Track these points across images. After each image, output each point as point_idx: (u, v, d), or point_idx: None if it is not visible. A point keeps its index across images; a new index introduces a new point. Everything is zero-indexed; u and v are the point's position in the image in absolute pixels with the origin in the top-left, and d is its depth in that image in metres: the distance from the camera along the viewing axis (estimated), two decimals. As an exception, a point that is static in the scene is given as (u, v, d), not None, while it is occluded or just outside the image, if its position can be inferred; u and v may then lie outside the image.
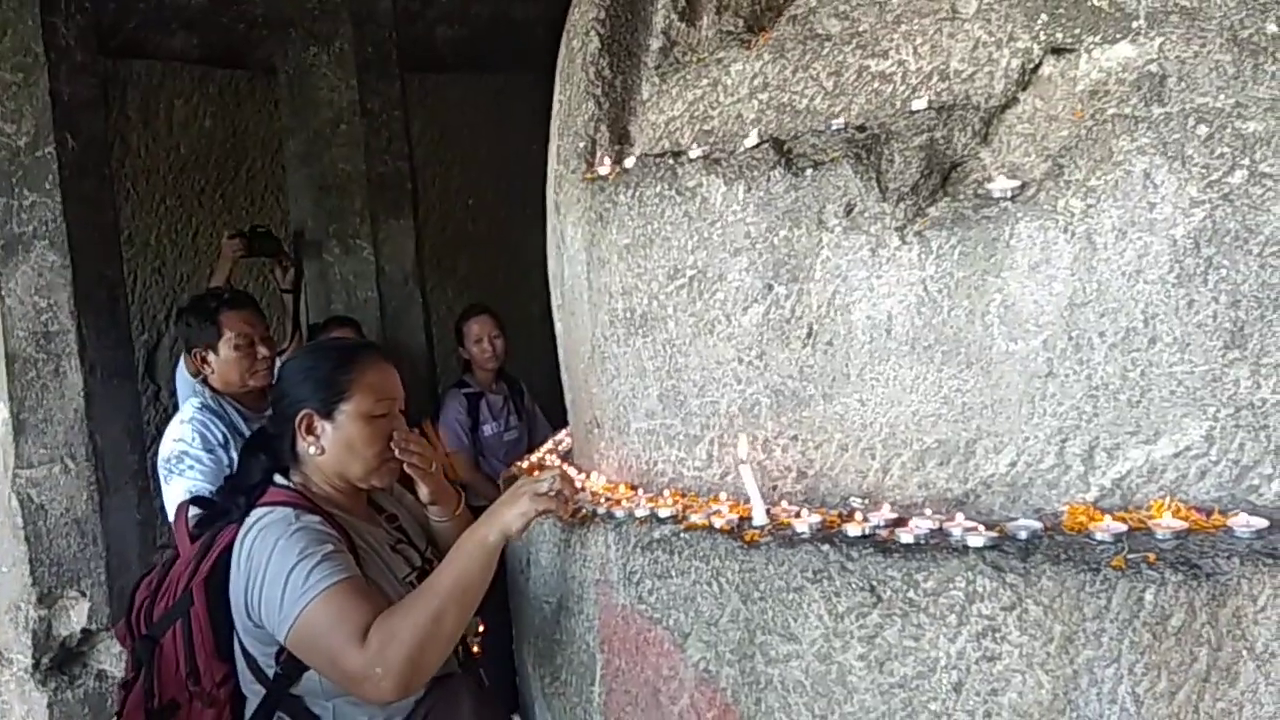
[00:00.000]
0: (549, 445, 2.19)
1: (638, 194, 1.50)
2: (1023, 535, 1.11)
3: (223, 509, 1.65)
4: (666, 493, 1.51)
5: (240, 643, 1.57)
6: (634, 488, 1.59)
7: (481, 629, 1.82)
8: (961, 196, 1.19)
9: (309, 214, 3.73)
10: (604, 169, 1.62)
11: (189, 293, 5.15)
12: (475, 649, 1.82)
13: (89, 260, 2.75)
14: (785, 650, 1.20)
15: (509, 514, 1.40)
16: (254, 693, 1.57)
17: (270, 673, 1.54)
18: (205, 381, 2.46)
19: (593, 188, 1.62)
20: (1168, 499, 1.09)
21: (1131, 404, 1.12)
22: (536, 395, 3.88)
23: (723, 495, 1.42)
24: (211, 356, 2.46)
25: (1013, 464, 1.19)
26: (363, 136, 3.68)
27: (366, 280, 3.71)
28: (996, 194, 1.15)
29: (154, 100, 4.86)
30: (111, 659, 2.63)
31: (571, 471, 1.82)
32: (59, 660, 2.64)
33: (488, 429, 3.81)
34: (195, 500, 1.76)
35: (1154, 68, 1.08)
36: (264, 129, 4.88)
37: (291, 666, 1.51)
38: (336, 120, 3.65)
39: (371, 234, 3.70)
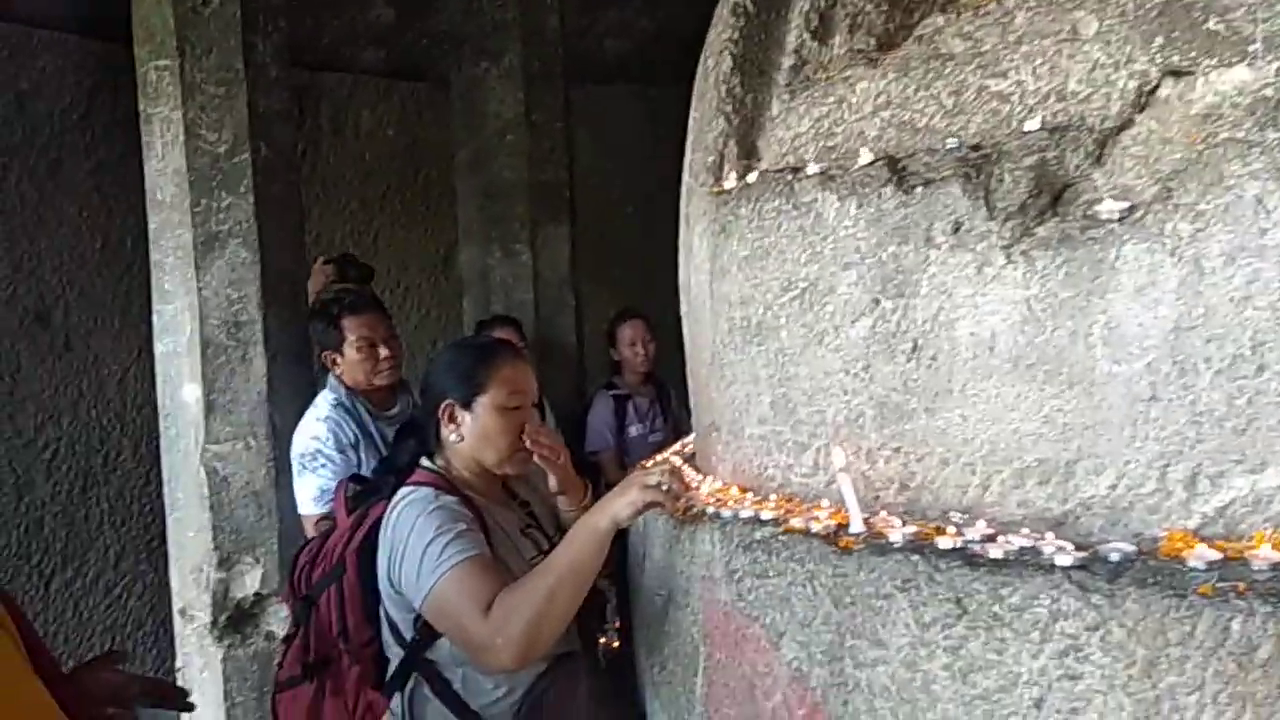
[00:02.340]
0: (676, 447, 2.27)
1: (758, 208, 1.56)
2: (1114, 557, 1.11)
3: (375, 486, 1.83)
4: (773, 496, 1.56)
5: (384, 608, 1.73)
6: (745, 490, 1.65)
7: (619, 625, 1.93)
8: (1070, 217, 1.20)
9: (474, 219, 3.96)
10: (729, 183, 1.69)
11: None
12: (615, 643, 1.92)
13: (276, 257, 3.03)
14: (873, 655, 1.23)
15: (618, 503, 1.49)
16: (395, 654, 1.73)
17: (409, 637, 1.69)
18: (339, 381, 2.62)
19: (718, 201, 1.69)
20: (1271, 530, 1.07)
21: (1237, 432, 1.09)
22: (683, 400, 3.97)
23: (826, 502, 1.47)
24: (338, 359, 2.62)
25: (1113, 487, 1.18)
26: (526, 146, 3.87)
27: (524, 283, 3.90)
28: (1105, 215, 1.15)
29: (344, 111, 5.26)
30: (279, 621, 2.89)
31: (690, 473, 1.89)
32: (234, 619, 2.92)
33: (633, 430, 3.93)
34: (353, 478, 1.95)
35: (1269, 92, 1.06)
36: (438, 139, 5.20)
37: (427, 632, 1.66)
38: (503, 131, 3.86)
39: (530, 239, 3.89)
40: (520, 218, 3.89)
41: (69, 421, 4.19)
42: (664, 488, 1.49)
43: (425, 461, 1.76)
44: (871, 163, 1.40)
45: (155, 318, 3.03)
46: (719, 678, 1.50)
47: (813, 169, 1.48)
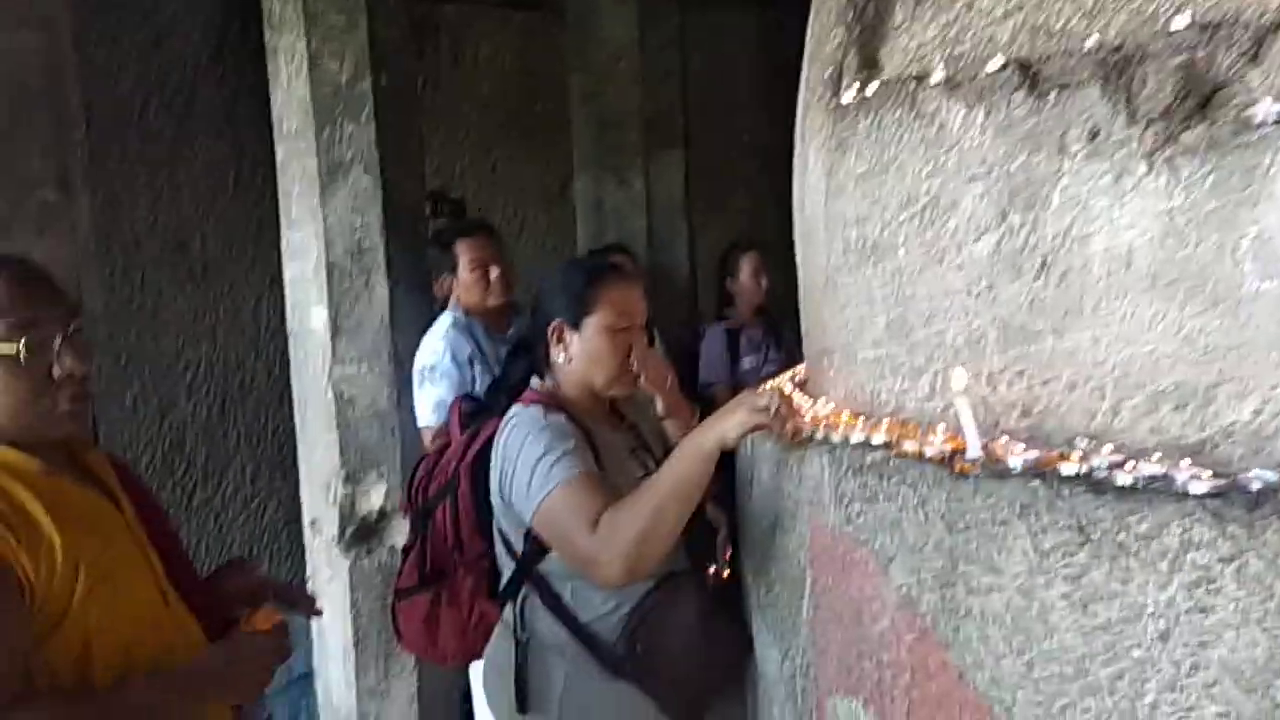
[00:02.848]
0: (787, 375, 2.24)
1: (877, 120, 1.50)
2: (1255, 486, 1.03)
3: (487, 405, 1.87)
4: (885, 421, 1.52)
5: (496, 521, 1.77)
6: (857, 415, 1.61)
7: (728, 556, 1.94)
8: (1220, 122, 1.10)
9: (588, 148, 3.95)
10: (848, 96, 1.62)
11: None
12: (725, 574, 1.93)
13: (396, 184, 3.09)
14: (987, 582, 1.19)
15: (726, 423, 1.47)
16: (507, 566, 1.77)
17: (519, 550, 1.73)
18: (457, 302, 2.78)
19: (835, 115, 1.63)
20: None
21: (1403, 354, 1.00)
22: (796, 332, 3.92)
23: (941, 427, 1.42)
24: (454, 282, 2.78)
25: (1257, 412, 1.10)
26: (640, 72, 3.82)
27: (637, 211, 3.89)
28: (1259, 119, 1.06)
29: (461, 42, 5.28)
30: (401, 535, 3.01)
31: (801, 398, 1.86)
32: (359, 533, 3.06)
33: (747, 362, 3.90)
34: (467, 397, 2.00)
35: None
36: (555, 69, 5.18)
37: (537, 546, 1.69)
38: (616, 57, 3.81)
39: (644, 167, 3.86)
40: (634, 146, 3.86)
41: (207, 345, 4.42)
42: (772, 410, 1.47)
43: (535, 381, 1.78)
44: (1001, 67, 1.32)
45: (284, 244, 3.14)
46: (825, 602, 1.49)
47: (937, 77, 1.40)
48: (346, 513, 3.06)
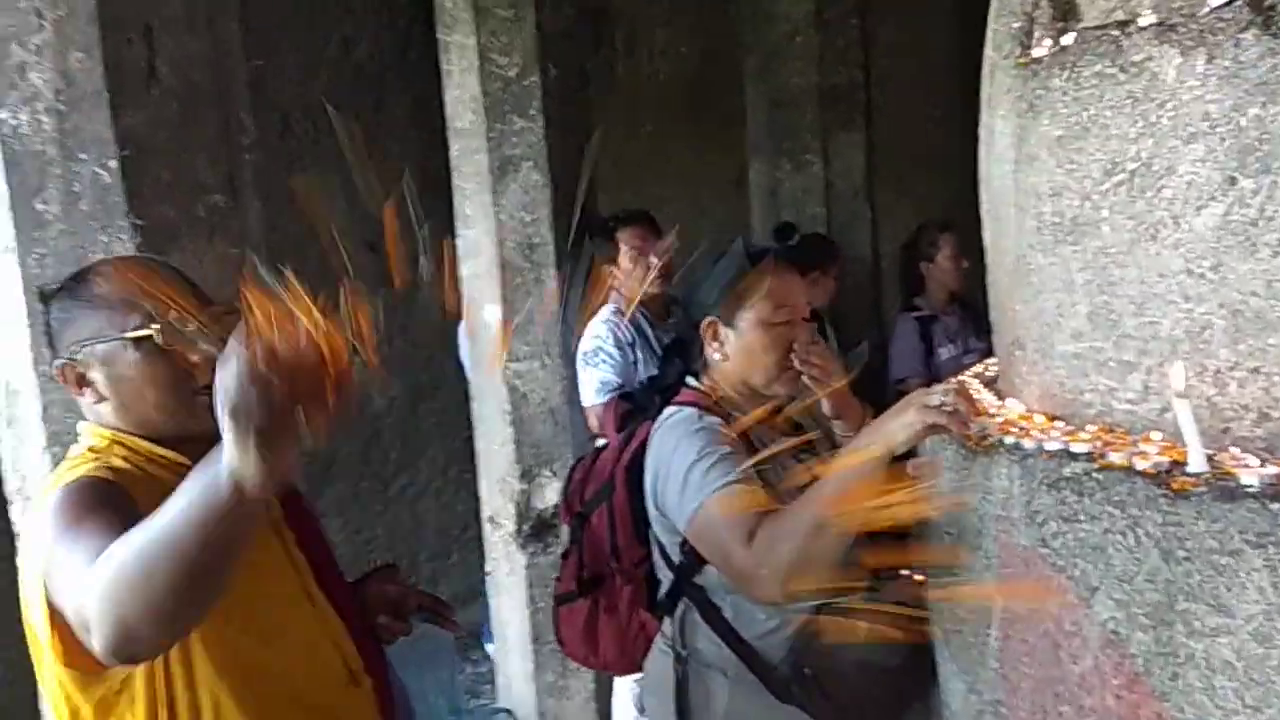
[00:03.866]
0: (978, 369, 2.02)
1: (1074, 75, 1.29)
2: None
3: (642, 405, 1.78)
4: (1090, 427, 1.31)
5: (653, 529, 1.68)
6: (1054, 419, 1.41)
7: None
8: None
9: (762, 130, 3.80)
10: (1040, 50, 1.41)
11: (663, 213, 5.59)
12: (919, 584, 1.76)
13: (566, 180, 3.06)
14: (1213, 623, 0.99)
15: (893, 425, 1.31)
16: (665, 577, 1.68)
17: (676, 560, 1.63)
18: (618, 291, 2.84)
19: (1024, 74, 1.42)
20: None
21: None
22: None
23: (1157, 435, 1.20)
24: (615, 271, 2.83)
25: None
26: (817, 48, 3.63)
27: (814, 195, 3.71)
28: None
29: (636, 30, 5.24)
30: (575, 533, 2.99)
31: (990, 398, 1.67)
32: (535, 529, 3.06)
33: (944, 352, 3.64)
34: (623, 396, 1.92)
35: None
36: (732, 53, 5.04)
37: (693, 557, 1.59)
38: (792, 33, 3.64)
39: (821, 148, 3.67)
40: (810, 126, 3.68)
41: (399, 342, 4.59)
42: (947, 409, 1.29)
43: (692, 381, 1.68)
44: (1227, 3, 1.09)
45: (459, 242, 3.17)
46: (1016, 633, 1.30)
47: (1146, 19, 1.19)
48: (523, 509, 3.07)
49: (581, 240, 2.85)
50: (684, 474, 1.51)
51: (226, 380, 0.83)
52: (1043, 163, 1.37)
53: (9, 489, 1.71)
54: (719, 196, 5.54)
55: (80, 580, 0.99)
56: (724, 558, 1.46)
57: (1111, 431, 1.28)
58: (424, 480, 4.76)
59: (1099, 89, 1.23)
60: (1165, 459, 1.11)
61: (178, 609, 0.95)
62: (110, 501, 1.12)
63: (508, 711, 3.03)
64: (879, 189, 3.91)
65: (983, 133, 1.67)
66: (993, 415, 1.53)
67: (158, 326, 1.23)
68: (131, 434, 1.25)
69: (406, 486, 4.73)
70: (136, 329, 1.23)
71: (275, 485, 0.87)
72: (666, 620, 1.67)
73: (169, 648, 1.10)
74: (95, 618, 0.95)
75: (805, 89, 3.68)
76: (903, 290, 3.77)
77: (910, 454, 1.42)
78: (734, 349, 1.59)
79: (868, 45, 3.77)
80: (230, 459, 0.85)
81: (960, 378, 1.95)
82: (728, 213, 5.49)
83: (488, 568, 3.28)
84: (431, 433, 4.76)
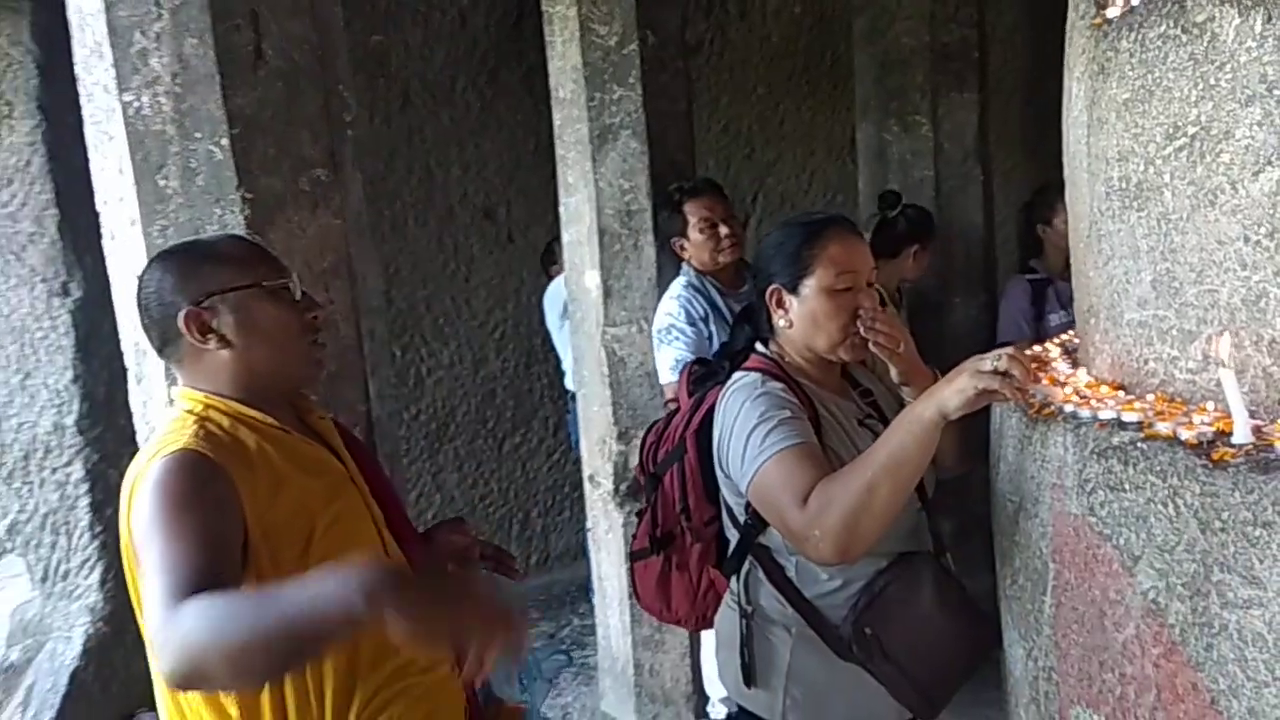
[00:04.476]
0: (1064, 338, 1.98)
1: (1140, 36, 1.25)
2: None
3: (713, 371, 1.82)
4: (1150, 396, 1.29)
5: (722, 490, 1.73)
6: (1117, 388, 1.39)
7: None
8: None
9: (871, 92, 3.73)
10: (1113, 9, 1.37)
11: (773, 177, 5.55)
12: None
13: (664, 148, 3.09)
14: (1245, 595, 0.98)
15: (946, 391, 1.31)
16: (733, 536, 1.73)
17: (741, 520, 1.68)
18: (689, 263, 2.80)
19: (1097, 35, 1.39)
20: None
21: None
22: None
23: (1213, 405, 1.18)
24: (685, 243, 2.79)
25: None
26: (928, 6, 3.54)
27: (923, 158, 3.62)
28: None
29: (750, -8, 5.21)
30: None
31: (1064, 366, 1.64)
32: (631, 489, 3.14)
33: (1054, 319, 3.52)
34: (698, 361, 1.96)
35: None
36: (843, 11, 4.94)
37: (757, 517, 1.63)
38: (902, -10, 3.56)
39: (931, 109, 3.58)
40: (920, 87, 3.58)
41: (513, 305, 4.75)
42: (1002, 374, 1.28)
43: (760, 347, 1.71)
44: (1292, -42, 1.05)
45: (561, 210, 3.26)
46: (1068, 600, 1.30)
47: (1210, -23, 1.14)
48: (620, 469, 3.15)
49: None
50: (745, 437, 1.54)
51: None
52: (1111, 126, 1.34)
53: (139, 438, 1.89)
54: (829, 160, 5.47)
55: (166, 611, 1.04)
56: (780, 519, 1.50)
57: (1171, 401, 1.26)
58: (535, 440, 4.93)
59: (1162, 50, 1.20)
60: (1210, 429, 1.09)
61: (254, 679, 1.05)
62: (206, 488, 1.19)
63: (565, 653, 3.15)
64: (992, 153, 3.79)
65: (1065, 98, 1.63)
66: (1063, 384, 1.52)
67: (295, 279, 1.34)
68: (223, 396, 1.33)
69: (519, 445, 4.91)
70: (270, 280, 1.33)
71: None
72: (733, 578, 1.72)
73: None
74: (172, 654, 1.00)
75: (916, 49, 3.58)
76: (1020, 253, 3.66)
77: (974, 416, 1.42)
78: (797, 316, 1.61)
79: (982, 2, 3.63)
80: (355, 600, 0.93)
81: (1046, 346, 1.91)
82: (838, 177, 5.42)
83: (588, 525, 3.38)
84: (543, 394, 4.92)
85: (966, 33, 3.60)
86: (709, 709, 3.17)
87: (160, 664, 1.01)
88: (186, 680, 1.01)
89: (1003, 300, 3.67)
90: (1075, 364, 1.65)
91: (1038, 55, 4.60)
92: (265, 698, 1.26)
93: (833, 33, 5.23)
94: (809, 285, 1.59)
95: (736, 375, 1.66)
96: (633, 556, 1.94)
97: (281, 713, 1.27)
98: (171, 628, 1.02)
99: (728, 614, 1.76)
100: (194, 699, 1.26)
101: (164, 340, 1.34)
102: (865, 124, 3.78)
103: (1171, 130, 1.20)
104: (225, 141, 1.73)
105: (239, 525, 1.18)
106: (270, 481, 1.27)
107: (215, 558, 1.06)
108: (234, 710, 1.26)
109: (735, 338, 1.78)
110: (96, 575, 3.46)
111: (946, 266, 3.68)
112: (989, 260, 3.77)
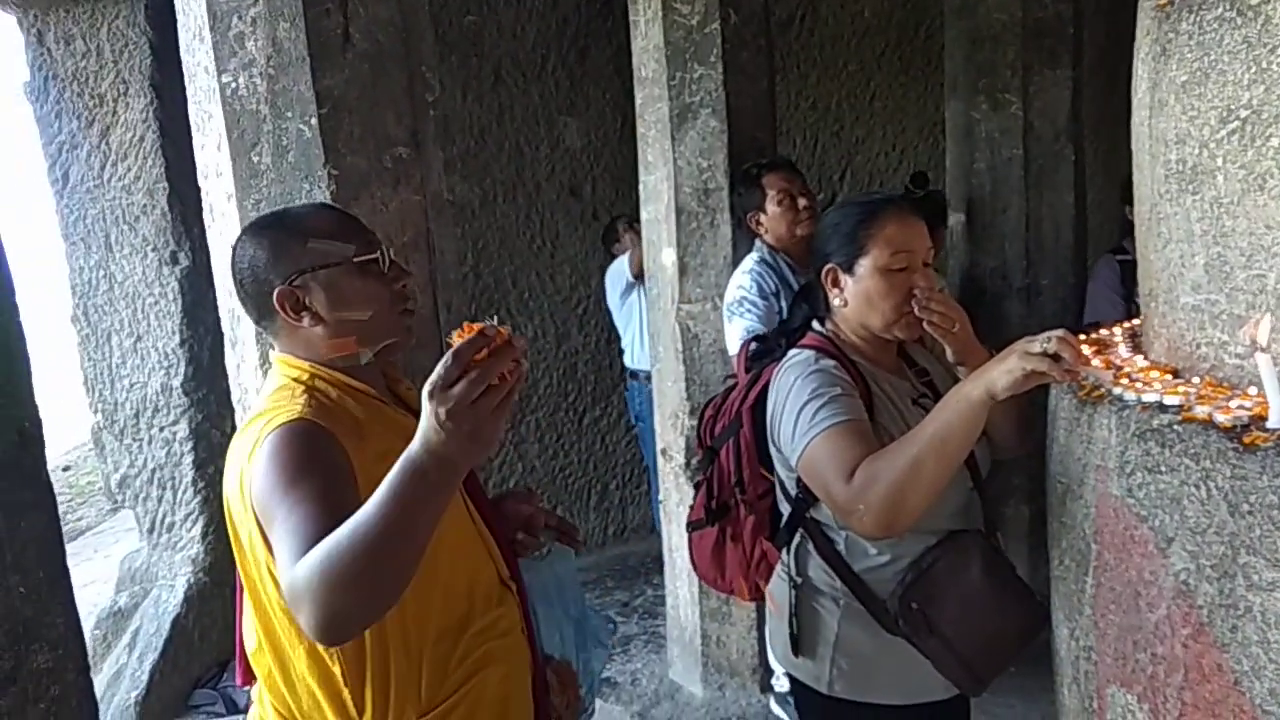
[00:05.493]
0: (1131, 322, 1.95)
1: (1199, 19, 1.24)
2: None
3: (770, 347, 1.86)
4: (1197, 380, 1.29)
5: (774, 463, 1.77)
6: (1170, 372, 1.38)
7: None
8: None
9: (960, 69, 3.67)
10: (1177, -9, 1.36)
11: (861, 155, 5.49)
12: None
13: (744, 127, 3.12)
14: (1269, 578, 0.99)
15: (995, 371, 1.33)
16: (785, 509, 1.78)
17: (793, 494, 1.72)
18: (764, 238, 2.85)
19: (1160, 16, 1.37)
20: None
21: None
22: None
23: (1255, 390, 1.17)
24: (761, 217, 2.84)
25: None
26: (1021, -21, 3.46)
27: (1012, 137, 3.54)
28: None
29: (844, -31, 5.15)
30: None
31: (1124, 350, 1.63)
32: (703, 463, 3.19)
33: (1144, 301, 3.45)
34: (756, 338, 2.00)
35: None
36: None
37: (807, 492, 1.67)
38: (998, -37, 3.48)
39: (1022, 87, 3.50)
40: (1010, 63, 3.50)
41: (595, 282, 4.83)
42: (1050, 355, 1.29)
43: (816, 325, 1.74)
44: (1348, -63, 1.03)
45: (641, 187, 3.31)
46: (1107, 580, 1.31)
47: (1266, -42, 1.13)
48: (691, 444, 3.21)
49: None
50: (796, 413, 1.58)
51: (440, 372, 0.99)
52: (1170, 108, 1.33)
53: (233, 399, 2.03)
54: (920, 138, 5.39)
55: (294, 569, 1.06)
56: (826, 493, 1.54)
57: (1218, 386, 1.25)
58: (615, 414, 5.02)
59: (1218, 33, 1.19)
60: (1247, 414, 1.09)
61: (389, 588, 1.04)
62: (323, 456, 1.23)
63: (609, 618, 3.24)
64: (1087, 130, 3.69)
65: (1133, 77, 1.61)
66: (1120, 368, 1.51)
67: (385, 250, 1.38)
68: (322, 365, 1.37)
69: (599, 418, 5.01)
70: (359, 255, 1.36)
71: (476, 456, 1.01)
72: (784, 549, 1.76)
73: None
74: (308, 607, 1.03)
75: (1008, 24, 3.50)
76: (1119, 238, 3.57)
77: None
78: (852, 294, 1.64)
79: (1080, -25, 3.53)
80: (431, 441, 0.99)
81: (1111, 330, 1.89)
82: (929, 154, 5.34)
83: (660, 497, 3.45)
84: (624, 370, 4.99)
85: (1061, 8, 3.50)
86: (773, 681, 3.22)
87: (304, 626, 1.05)
88: (331, 625, 1.04)
89: (1091, 281, 3.60)
90: (1137, 348, 1.63)
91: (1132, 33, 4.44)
92: (368, 663, 1.30)
93: (926, 7, 5.14)
94: (864, 264, 1.61)
95: (791, 352, 1.70)
96: (690, 527, 2.01)
97: (385, 677, 1.30)
98: (300, 585, 1.04)
99: (779, 584, 1.81)
100: (300, 662, 1.31)
101: (260, 314, 1.39)
102: (954, 101, 3.72)
103: (1225, 113, 1.19)
104: (314, 121, 1.83)
105: (354, 492, 1.20)
106: (377, 450, 1.29)
107: (335, 524, 1.07)
108: (336, 668, 1.30)
109: (793, 316, 1.82)
110: (199, 528, 3.70)
111: (1036, 248, 3.61)
112: (1079, 243, 3.69)
